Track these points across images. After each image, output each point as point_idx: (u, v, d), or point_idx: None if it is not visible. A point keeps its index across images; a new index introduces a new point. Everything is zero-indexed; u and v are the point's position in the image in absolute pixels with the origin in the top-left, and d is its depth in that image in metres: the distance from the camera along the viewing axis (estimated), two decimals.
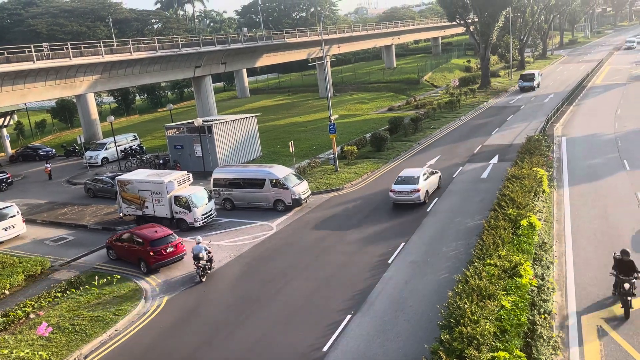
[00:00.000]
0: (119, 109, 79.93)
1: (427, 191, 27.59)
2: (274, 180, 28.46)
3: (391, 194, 27.39)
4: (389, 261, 20.92)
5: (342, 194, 30.88)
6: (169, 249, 22.40)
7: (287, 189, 28.28)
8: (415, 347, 14.88)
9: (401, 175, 27.93)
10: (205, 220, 27.10)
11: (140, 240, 22.56)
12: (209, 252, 21.55)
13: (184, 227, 27.02)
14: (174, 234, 23.26)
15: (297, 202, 28.56)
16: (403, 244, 22.49)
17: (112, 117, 44.45)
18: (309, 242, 23.99)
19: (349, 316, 17.11)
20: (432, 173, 29.01)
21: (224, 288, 20.58)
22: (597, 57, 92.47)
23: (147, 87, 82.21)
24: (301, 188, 28.85)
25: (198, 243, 21.34)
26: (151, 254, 21.94)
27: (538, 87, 64.90)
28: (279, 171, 29.15)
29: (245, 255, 23.41)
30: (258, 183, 29.01)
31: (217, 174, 30.23)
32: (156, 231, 23.03)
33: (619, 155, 32.43)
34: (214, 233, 26.50)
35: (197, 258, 20.96)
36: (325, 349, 15.49)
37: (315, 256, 22.36)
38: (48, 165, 42.37)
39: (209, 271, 21.48)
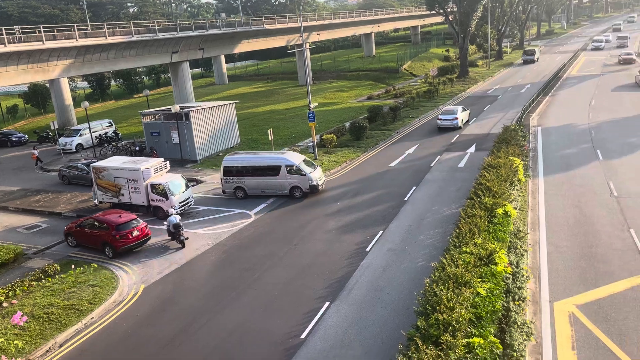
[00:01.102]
0: (93, 94, 78.39)
1: (462, 120, 41.76)
2: (290, 167, 28.06)
3: (438, 121, 41.73)
4: (367, 249, 21.07)
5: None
6: (135, 233, 22.65)
7: (305, 175, 28.01)
8: (392, 333, 15.07)
9: (445, 110, 43.30)
10: (183, 208, 26.87)
11: (105, 226, 22.71)
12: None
13: (161, 215, 26.74)
14: (137, 218, 23.47)
15: (314, 189, 28.24)
16: (381, 232, 22.66)
17: (87, 103, 43.52)
18: (288, 230, 23.99)
19: (327, 303, 17.22)
20: (464, 109, 43.45)
21: (201, 276, 20.49)
22: (573, 48, 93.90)
23: (123, 73, 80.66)
24: (317, 174, 28.58)
25: (170, 215, 23.25)
26: (117, 237, 22.18)
27: (537, 60, 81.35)
28: (294, 157, 28.78)
29: (224, 243, 23.32)
30: (273, 170, 28.34)
31: (227, 162, 29.04)
32: (120, 216, 23.27)
33: (593, 146, 33.10)
34: (191, 221, 26.30)
35: (177, 227, 22.69)
36: (303, 335, 15.58)
37: (294, 244, 22.39)
38: (35, 152, 41.17)
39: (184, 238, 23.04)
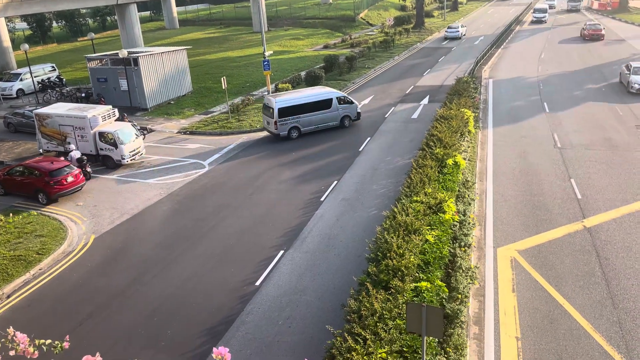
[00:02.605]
0: (34, 36, 73.72)
1: (462, 33, 60.99)
2: (340, 98, 29.98)
3: (445, 33, 61.27)
4: (322, 199, 21.32)
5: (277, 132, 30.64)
6: (70, 179, 22.63)
7: (354, 103, 30.53)
8: (344, 279, 15.53)
9: (449, 26, 61.86)
10: (134, 157, 26.20)
11: (37, 172, 22.50)
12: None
13: (111, 165, 26.05)
14: (70, 165, 23.45)
15: (359, 116, 30.87)
16: (335, 182, 22.91)
17: (27, 46, 40.91)
18: (243, 181, 23.89)
19: (281, 252, 17.48)
20: (463, 26, 62.48)
21: (154, 226, 20.28)
22: (527, 0, 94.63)
23: (66, 14, 75.93)
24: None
25: (70, 151, 25.23)
26: (51, 184, 22.11)
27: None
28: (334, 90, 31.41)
29: (177, 193, 23.03)
30: (326, 103, 29.54)
31: (281, 104, 28.42)
32: (52, 162, 23.24)
33: (540, 98, 34.09)
34: (143, 171, 25.74)
35: (80, 161, 24.63)
36: (257, 283, 15.85)
37: (249, 194, 22.37)
38: None
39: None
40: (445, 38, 61.11)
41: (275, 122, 28.46)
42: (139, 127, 29.71)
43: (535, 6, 75.47)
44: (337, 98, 29.73)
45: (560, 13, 78.42)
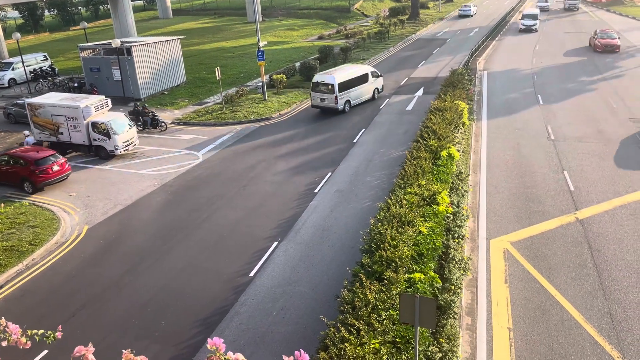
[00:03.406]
0: (25, 25, 72.92)
1: (474, 12, 72.04)
2: (373, 72, 33.75)
3: (459, 12, 71.57)
4: (316, 190, 21.31)
5: (271, 124, 30.60)
6: (55, 168, 22.74)
7: (381, 76, 34.89)
8: (337, 270, 15.58)
9: (464, 5, 68.70)
10: (127, 148, 26.06)
11: (22, 162, 22.59)
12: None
13: (104, 155, 25.91)
14: (56, 154, 23.52)
15: (383, 89, 34.78)
16: (330, 173, 22.91)
17: (18, 35, 40.46)
18: (237, 172, 23.84)
19: (275, 243, 17.49)
20: (474, 6, 68.83)
21: (147, 217, 20.23)
22: None
23: (58, 2, 75.18)
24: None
25: (27, 136, 26.25)
26: (37, 172, 22.21)
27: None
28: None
29: (170, 184, 22.96)
30: (364, 78, 32.82)
31: (339, 80, 30.79)
32: (37, 152, 23.49)
33: (534, 90, 34.14)
34: (136, 161, 25.63)
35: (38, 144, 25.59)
36: (251, 274, 15.86)
37: (243, 186, 22.33)
38: None
39: None
40: (460, 16, 72.30)
41: (336, 97, 30.74)
42: (158, 117, 29.99)
43: (524, 11, 61.10)
44: (371, 72, 33.52)
45: (560, 15, 78.21)
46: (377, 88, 34.00)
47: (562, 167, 22.04)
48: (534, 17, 57.45)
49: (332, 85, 30.34)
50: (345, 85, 31.11)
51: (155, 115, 30.10)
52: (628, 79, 36.08)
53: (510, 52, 47.16)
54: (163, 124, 30.11)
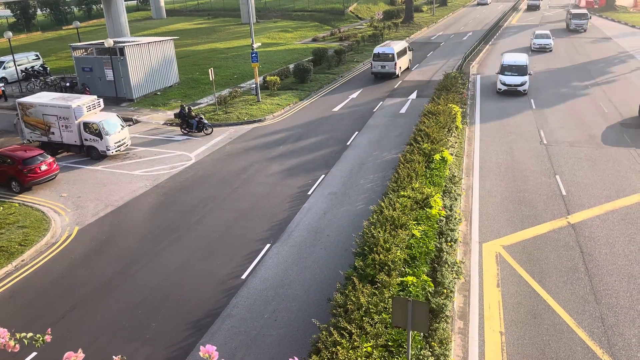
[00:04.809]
0: (17, 24, 72.37)
1: (489, 1, 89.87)
2: (408, 46, 43.14)
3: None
4: (309, 193, 21.27)
5: (264, 126, 30.54)
6: (43, 167, 22.60)
7: (412, 50, 44.31)
8: (330, 273, 15.53)
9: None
10: (119, 148, 25.90)
11: (9, 161, 22.46)
12: None
13: (95, 156, 25.73)
14: (44, 153, 23.39)
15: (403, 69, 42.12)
16: (323, 176, 22.87)
17: (10, 33, 40.12)
18: (229, 173, 23.75)
19: (268, 245, 17.42)
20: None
21: (139, 218, 20.09)
22: None
23: (50, 1, 74.68)
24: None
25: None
26: (25, 172, 22.10)
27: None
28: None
29: (162, 185, 22.83)
30: (406, 51, 41.99)
31: (396, 50, 39.41)
32: (25, 151, 23.33)
33: (527, 95, 34.28)
34: (128, 162, 25.47)
35: None
36: (243, 276, 15.78)
37: (236, 187, 22.25)
38: (1, 85, 37.62)
39: None
40: (478, 4, 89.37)
41: (395, 64, 39.06)
42: (204, 121, 29.12)
43: (537, 31, 52.81)
44: (407, 46, 42.73)
45: (548, 13, 78.74)
46: (410, 59, 42.60)
47: (554, 172, 22.13)
48: (547, 36, 51.47)
49: (392, 54, 38.84)
50: (399, 55, 39.41)
51: (202, 119, 29.10)
52: (620, 84, 36.35)
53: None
54: (209, 127, 29.20)
